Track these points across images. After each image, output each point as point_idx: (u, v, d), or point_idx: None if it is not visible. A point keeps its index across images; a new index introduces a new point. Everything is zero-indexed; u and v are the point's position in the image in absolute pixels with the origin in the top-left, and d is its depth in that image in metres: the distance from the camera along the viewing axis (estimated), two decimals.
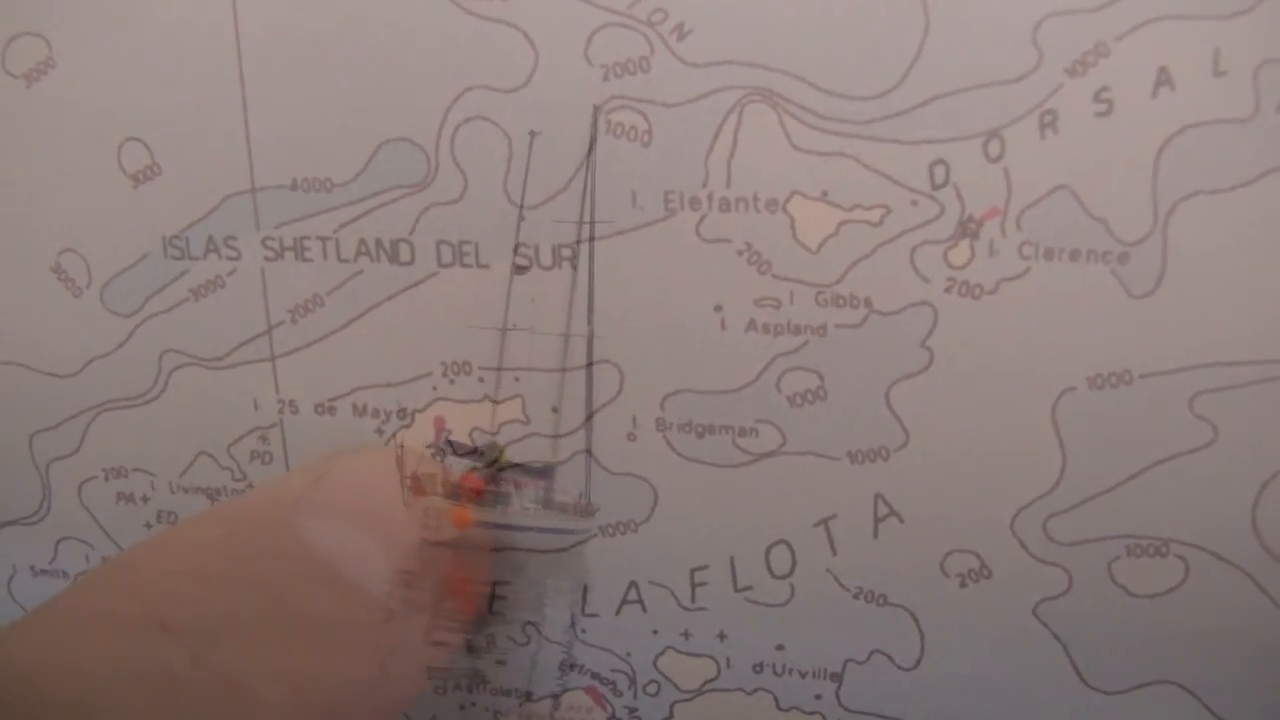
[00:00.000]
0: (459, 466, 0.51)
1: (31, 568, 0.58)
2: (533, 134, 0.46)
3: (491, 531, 0.52)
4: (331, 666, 0.44)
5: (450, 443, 0.55)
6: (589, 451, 0.50)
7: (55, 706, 0.38)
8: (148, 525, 0.55)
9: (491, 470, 0.53)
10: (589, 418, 0.50)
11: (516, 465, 0.52)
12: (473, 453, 0.54)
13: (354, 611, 0.45)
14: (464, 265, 0.47)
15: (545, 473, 0.54)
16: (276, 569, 0.44)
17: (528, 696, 0.54)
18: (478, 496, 0.51)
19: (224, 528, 0.47)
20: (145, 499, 0.55)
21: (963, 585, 0.47)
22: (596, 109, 0.45)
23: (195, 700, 0.40)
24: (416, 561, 0.49)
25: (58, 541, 0.57)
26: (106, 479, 0.55)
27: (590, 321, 0.48)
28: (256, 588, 0.44)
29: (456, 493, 0.52)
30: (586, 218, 0.48)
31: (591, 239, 0.47)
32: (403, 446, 0.51)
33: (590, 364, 0.49)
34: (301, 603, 0.44)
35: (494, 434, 0.52)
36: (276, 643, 0.43)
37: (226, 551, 0.45)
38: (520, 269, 0.48)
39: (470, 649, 0.54)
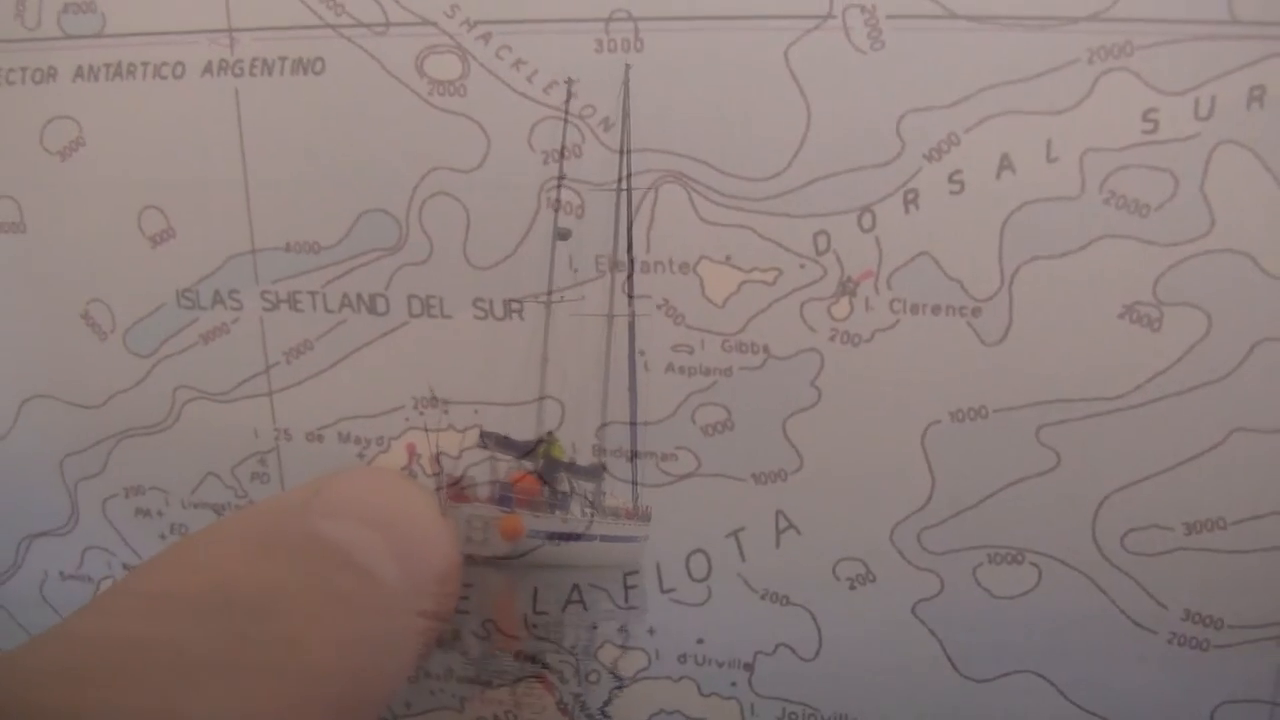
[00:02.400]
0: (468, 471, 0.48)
1: (60, 573, 0.65)
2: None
3: (545, 543, 0.51)
4: (359, 630, 0.45)
5: (488, 434, 0.49)
6: (634, 454, 0.51)
7: (129, 672, 0.40)
8: (162, 536, 0.61)
9: (544, 468, 0.48)
10: (633, 424, 0.51)
11: (567, 464, 0.49)
12: (510, 446, 0.49)
13: (372, 592, 0.47)
14: (430, 316, 0.54)
15: (596, 473, 0.50)
16: (299, 554, 0.46)
17: (488, 684, 0.60)
18: (531, 500, 0.49)
19: (246, 527, 0.49)
20: (160, 513, 0.61)
21: (852, 588, 0.54)
22: (541, 187, 0.52)
23: (254, 650, 0.42)
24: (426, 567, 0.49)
25: (84, 550, 0.64)
26: (127, 496, 0.61)
27: (544, 364, 0.54)
28: (290, 566, 0.45)
29: (505, 496, 0.49)
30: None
31: (631, 271, 0.50)
32: (439, 448, 0.49)
33: (542, 398, 0.55)
34: (329, 577, 0.46)
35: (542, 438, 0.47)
36: (315, 607, 0.44)
37: (255, 540, 0.47)
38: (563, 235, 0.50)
39: (439, 643, 0.56)
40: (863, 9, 0.47)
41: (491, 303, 0.54)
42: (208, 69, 0.53)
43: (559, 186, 0.51)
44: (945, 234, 0.48)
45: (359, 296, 0.54)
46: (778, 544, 0.54)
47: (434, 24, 0.51)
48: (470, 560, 0.53)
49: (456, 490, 0.48)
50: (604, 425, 0.54)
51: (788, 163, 0.49)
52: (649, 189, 0.50)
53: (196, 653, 0.40)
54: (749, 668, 0.56)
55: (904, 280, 0.49)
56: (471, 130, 0.51)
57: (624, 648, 0.57)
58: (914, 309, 0.50)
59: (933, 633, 0.53)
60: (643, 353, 0.52)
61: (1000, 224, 0.48)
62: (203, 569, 0.45)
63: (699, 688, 0.57)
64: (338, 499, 0.49)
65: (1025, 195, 0.47)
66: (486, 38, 0.51)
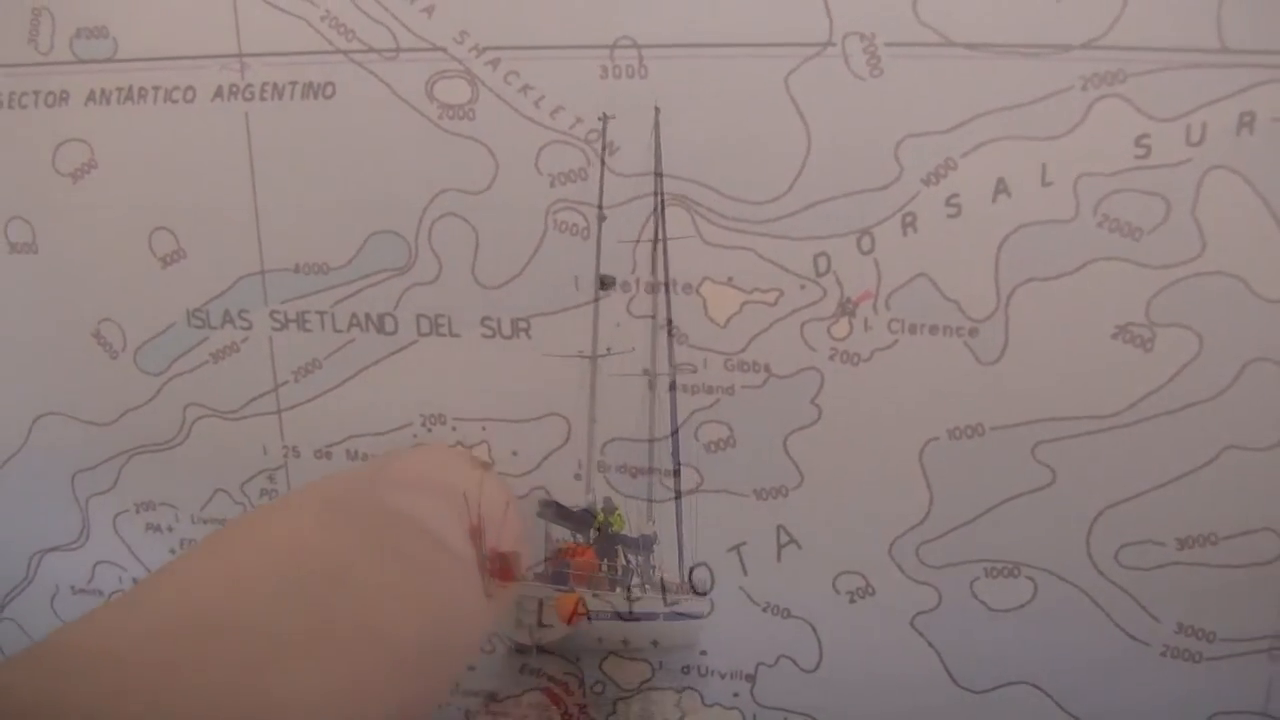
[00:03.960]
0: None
1: (72, 587, 0.65)
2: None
3: (605, 624, 0.46)
4: (436, 599, 0.44)
5: (548, 504, 0.45)
6: (678, 522, 0.48)
7: (214, 655, 0.38)
8: (172, 551, 0.62)
9: (601, 541, 0.44)
10: (677, 470, 0.48)
11: (624, 537, 0.44)
12: (567, 517, 0.44)
13: (444, 558, 0.46)
14: (439, 335, 0.54)
15: (646, 545, 0.46)
16: (371, 525, 0.46)
17: (492, 696, 0.60)
18: (589, 577, 0.45)
19: (317, 498, 0.48)
20: (170, 529, 0.62)
21: (852, 601, 0.54)
22: (548, 208, 0.53)
23: (334, 619, 0.41)
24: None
25: (95, 565, 0.64)
26: (137, 511, 0.62)
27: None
28: (363, 534, 0.45)
29: (560, 573, 0.44)
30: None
31: (667, 287, 0.48)
32: (479, 516, 0.43)
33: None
34: (403, 545, 0.45)
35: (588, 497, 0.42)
36: (392, 574, 0.43)
37: (326, 514, 0.46)
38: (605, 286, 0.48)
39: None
40: (862, 36, 0.48)
41: (499, 321, 0.54)
42: (218, 93, 0.53)
43: (565, 209, 0.52)
44: (942, 256, 0.49)
45: (368, 316, 0.55)
46: (779, 558, 0.54)
47: (443, 49, 0.52)
48: (521, 649, 0.50)
49: (502, 566, 0.43)
50: (610, 441, 0.55)
51: (788, 186, 0.49)
52: (652, 212, 0.51)
53: (277, 630, 0.39)
54: (751, 679, 0.57)
55: (902, 301, 0.49)
56: (480, 153, 0.52)
57: (628, 658, 0.58)
58: (912, 329, 0.50)
59: (931, 645, 0.54)
60: (646, 371, 0.53)
61: (996, 246, 0.48)
62: (276, 545, 0.44)
63: (702, 698, 0.57)
64: (404, 472, 0.50)
65: (1021, 218, 0.48)
66: (495, 63, 0.51)
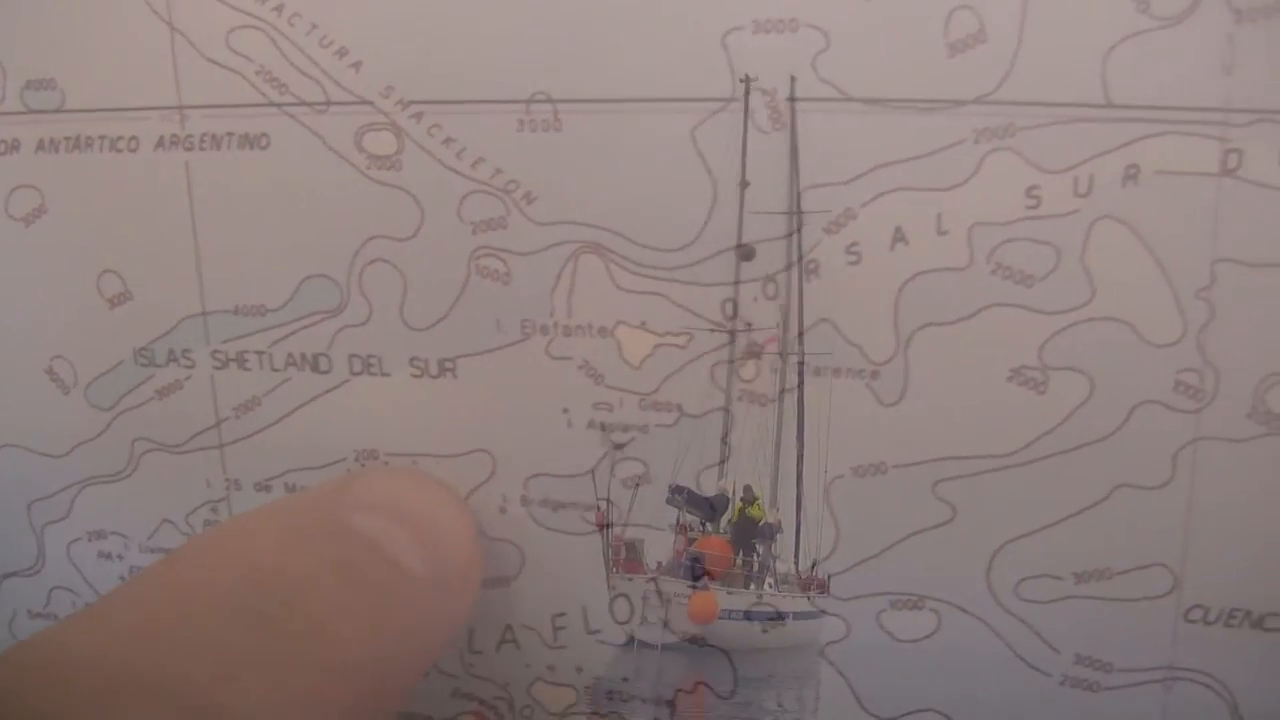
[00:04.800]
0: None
1: (29, 611, 0.66)
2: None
3: (739, 625, 0.43)
4: (389, 619, 0.45)
5: (679, 488, 0.41)
6: (798, 502, 0.44)
7: (169, 666, 0.39)
8: (121, 578, 0.63)
9: (738, 531, 0.39)
10: (800, 457, 0.45)
11: (762, 526, 0.38)
12: (698, 504, 0.40)
13: (400, 582, 0.47)
14: (370, 374, 0.56)
15: (771, 534, 0.42)
16: (330, 546, 0.46)
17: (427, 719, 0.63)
18: (726, 573, 0.40)
19: (278, 518, 0.49)
20: (120, 557, 0.63)
21: (764, 630, 0.56)
22: (471, 254, 0.54)
23: (288, 640, 0.42)
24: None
25: (50, 590, 0.65)
26: (90, 540, 0.63)
27: None
28: (322, 556, 0.46)
29: (694, 567, 0.39)
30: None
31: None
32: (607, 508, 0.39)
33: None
34: (360, 567, 0.46)
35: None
36: (347, 596, 0.44)
37: (287, 532, 0.47)
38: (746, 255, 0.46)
39: None
40: (764, 92, 0.50)
41: (427, 361, 0.55)
42: (160, 143, 0.55)
43: (487, 255, 0.53)
44: (844, 302, 0.50)
45: (303, 356, 0.57)
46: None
47: (371, 103, 0.53)
48: (644, 646, 0.48)
49: (631, 559, 0.40)
50: (533, 476, 0.56)
51: (696, 235, 0.51)
52: (568, 259, 0.53)
53: (233, 644, 0.40)
54: (670, 705, 0.58)
55: (807, 345, 0.51)
56: (406, 202, 0.54)
57: (555, 684, 0.59)
58: (817, 371, 0.51)
59: (841, 673, 0.55)
60: (566, 410, 0.54)
61: (895, 293, 0.50)
62: (236, 559, 0.45)
63: None
64: (367, 494, 0.50)
65: (918, 266, 0.49)
66: (419, 116, 0.53)
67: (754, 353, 0.52)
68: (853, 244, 0.50)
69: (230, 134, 0.55)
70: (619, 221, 0.51)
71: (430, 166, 0.53)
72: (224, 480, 0.60)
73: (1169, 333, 0.48)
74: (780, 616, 0.43)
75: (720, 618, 0.41)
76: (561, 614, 0.58)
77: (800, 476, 0.47)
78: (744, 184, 0.48)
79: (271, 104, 0.54)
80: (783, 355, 0.51)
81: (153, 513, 0.61)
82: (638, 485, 0.49)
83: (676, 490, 0.45)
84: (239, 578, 0.44)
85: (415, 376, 0.56)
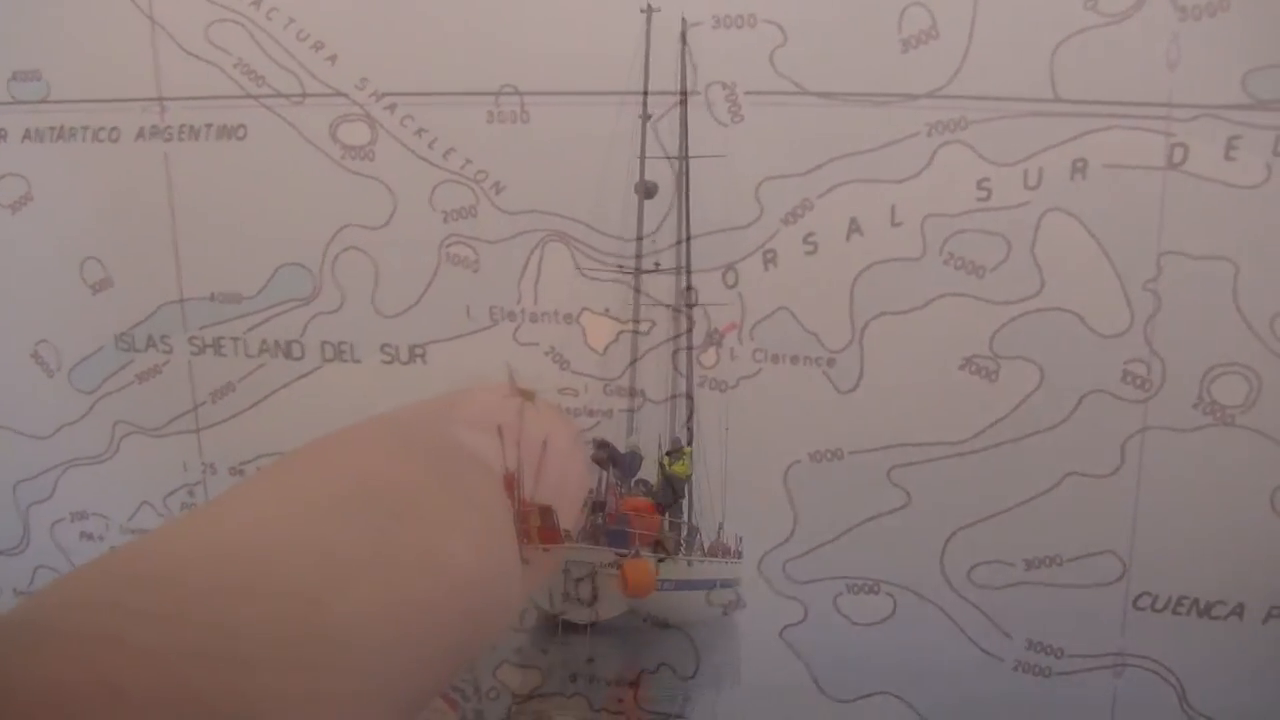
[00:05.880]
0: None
1: (14, 590, 0.67)
2: None
3: (668, 597, 0.41)
4: (497, 538, 0.43)
5: (604, 444, 0.40)
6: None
7: (278, 572, 0.36)
8: None
9: (663, 490, 0.36)
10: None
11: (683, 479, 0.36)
12: (617, 461, 0.38)
13: (506, 502, 0.45)
14: (342, 361, 0.57)
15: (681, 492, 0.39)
16: (439, 460, 0.45)
17: None
18: (654, 538, 0.38)
19: (387, 431, 0.48)
20: (101, 537, 0.63)
21: (725, 614, 0.56)
22: (441, 242, 0.55)
23: (399, 551, 0.39)
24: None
25: (35, 569, 0.65)
26: (72, 520, 0.64)
27: None
28: (432, 470, 0.44)
29: (620, 532, 0.37)
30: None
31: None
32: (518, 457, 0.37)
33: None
34: (469, 484, 0.44)
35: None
36: (457, 511, 0.42)
37: (395, 444, 0.46)
38: None
39: None
40: (724, 85, 0.51)
41: (398, 348, 0.56)
42: (140, 134, 0.56)
43: (457, 243, 0.54)
44: (801, 291, 0.51)
45: (276, 343, 0.57)
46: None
47: (345, 95, 0.54)
48: (569, 629, 0.46)
49: (547, 526, 0.37)
50: None
51: (658, 225, 0.52)
52: (535, 247, 0.54)
53: (342, 551, 0.38)
54: (634, 685, 0.59)
55: (765, 332, 0.52)
56: (379, 191, 0.54)
57: (521, 666, 0.60)
58: (775, 359, 0.52)
59: (798, 655, 0.55)
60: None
61: (850, 282, 0.50)
62: (344, 469, 0.43)
63: (590, 703, 0.59)
64: (476, 411, 0.49)
65: (872, 256, 0.50)
66: (392, 108, 0.54)
67: (714, 340, 0.53)
68: (809, 234, 0.51)
69: (209, 125, 0.56)
70: (583, 211, 0.52)
71: (403, 156, 0.54)
72: (200, 464, 0.60)
73: (1117, 323, 0.49)
74: (727, 584, 0.39)
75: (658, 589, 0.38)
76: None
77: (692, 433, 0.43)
78: (645, 116, 0.47)
79: (249, 96, 0.55)
80: (742, 342, 0.52)
81: (133, 495, 0.62)
82: None
83: (601, 445, 0.41)
84: (349, 487, 0.42)
85: (386, 363, 0.56)
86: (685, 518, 0.41)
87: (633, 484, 0.44)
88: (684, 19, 0.49)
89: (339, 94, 0.54)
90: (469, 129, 0.53)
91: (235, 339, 0.58)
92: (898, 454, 0.51)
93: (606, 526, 0.40)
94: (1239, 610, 0.50)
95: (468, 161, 0.53)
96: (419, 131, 0.54)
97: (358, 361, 0.57)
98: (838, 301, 0.51)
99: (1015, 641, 0.53)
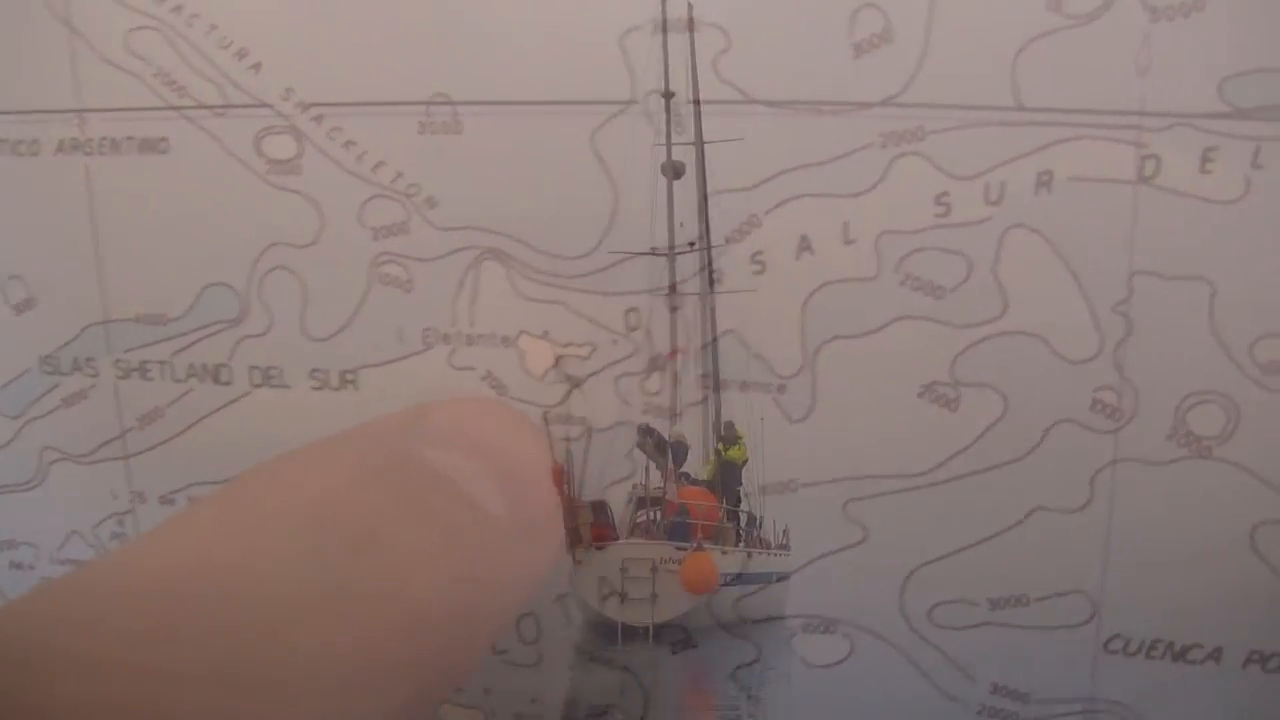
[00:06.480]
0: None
1: None
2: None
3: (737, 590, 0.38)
4: (467, 566, 0.41)
5: (650, 431, 0.36)
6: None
7: (230, 598, 0.35)
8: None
9: (722, 479, 0.34)
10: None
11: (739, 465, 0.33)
12: (664, 450, 0.35)
13: (478, 523, 0.42)
14: (271, 386, 0.54)
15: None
16: (403, 481, 0.42)
17: None
18: (714, 529, 0.36)
19: (344, 450, 0.44)
20: (31, 567, 0.61)
21: (673, 653, 0.53)
22: (372, 261, 0.52)
23: (353, 588, 0.37)
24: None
25: None
26: (1, 550, 0.61)
27: None
28: (395, 493, 0.41)
29: (678, 525, 0.34)
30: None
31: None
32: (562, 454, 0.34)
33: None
34: (435, 507, 0.42)
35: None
36: (421, 539, 0.40)
37: (356, 463, 0.43)
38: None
39: None
40: (663, 94, 0.47)
41: (328, 373, 0.53)
42: (60, 147, 0.53)
43: (388, 262, 0.51)
44: (749, 313, 0.48)
45: (204, 367, 0.54)
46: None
47: (270, 106, 0.51)
48: (630, 636, 0.42)
49: (601, 522, 0.33)
50: None
51: (597, 242, 0.49)
52: (470, 265, 0.51)
53: (297, 580, 0.36)
54: None
55: (710, 357, 0.49)
56: (306, 207, 0.51)
57: (463, 707, 0.57)
58: (722, 385, 0.49)
59: (751, 697, 0.53)
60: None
61: (801, 304, 0.47)
62: (300, 488, 0.41)
63: None
64: (443, 426, 0.45)
65: (824, 276, 0.47)
66: (319, 119, 0.51)
67: (658, 365, 0.50)
68: (757, 253, 0.47)
69: (130, 138, 0.53)
70: (519, 228, 0.49)
71: (330, 170, 0.51)
72: (129, 492, 0.57)
73: (1085, 348, 0.45)
74: (784, 576, 0.35)
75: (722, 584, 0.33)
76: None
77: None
78: (667, 94, 0.41)
79: (170, 107, 0.52)
80: (686, 368, 0.49)
81: (61, 524, 0.59)
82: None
83: (647, 433, 0.37)
84: (309, 516, 0.39)
85: (316, 389, 0.54)
86: (743, 506, 0.36)
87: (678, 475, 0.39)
88: (689, 3, 0.44)
89: (263, 104, 0.51)
90: (399, 140, 0.50)
91: (162, 362, 0.55)
92: (853, 487, 0.48)
93: (666, 519, 0.35)
94: (1216, 655, 0.46)
95: (399, 175, 0.50)
96: (347, 144, 0.50)
97: (287, 387, 0.54)
98: (788, 325, 0.47)
99: (979, 685, 0.49)
